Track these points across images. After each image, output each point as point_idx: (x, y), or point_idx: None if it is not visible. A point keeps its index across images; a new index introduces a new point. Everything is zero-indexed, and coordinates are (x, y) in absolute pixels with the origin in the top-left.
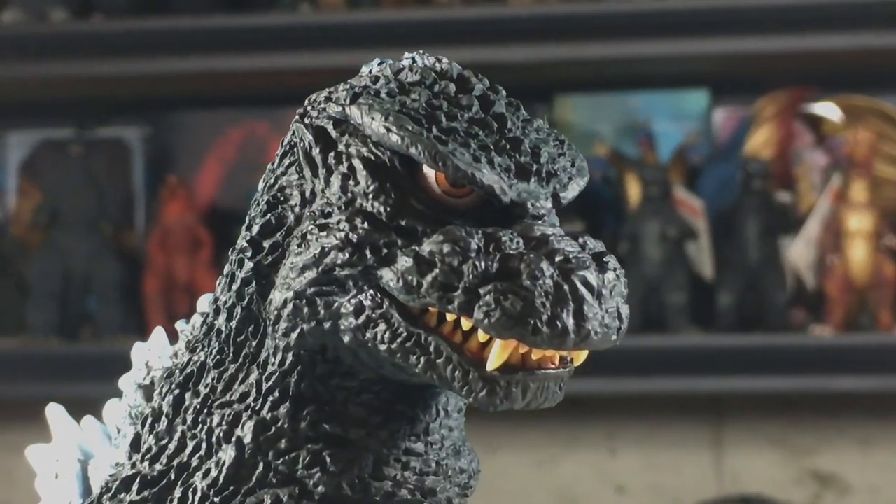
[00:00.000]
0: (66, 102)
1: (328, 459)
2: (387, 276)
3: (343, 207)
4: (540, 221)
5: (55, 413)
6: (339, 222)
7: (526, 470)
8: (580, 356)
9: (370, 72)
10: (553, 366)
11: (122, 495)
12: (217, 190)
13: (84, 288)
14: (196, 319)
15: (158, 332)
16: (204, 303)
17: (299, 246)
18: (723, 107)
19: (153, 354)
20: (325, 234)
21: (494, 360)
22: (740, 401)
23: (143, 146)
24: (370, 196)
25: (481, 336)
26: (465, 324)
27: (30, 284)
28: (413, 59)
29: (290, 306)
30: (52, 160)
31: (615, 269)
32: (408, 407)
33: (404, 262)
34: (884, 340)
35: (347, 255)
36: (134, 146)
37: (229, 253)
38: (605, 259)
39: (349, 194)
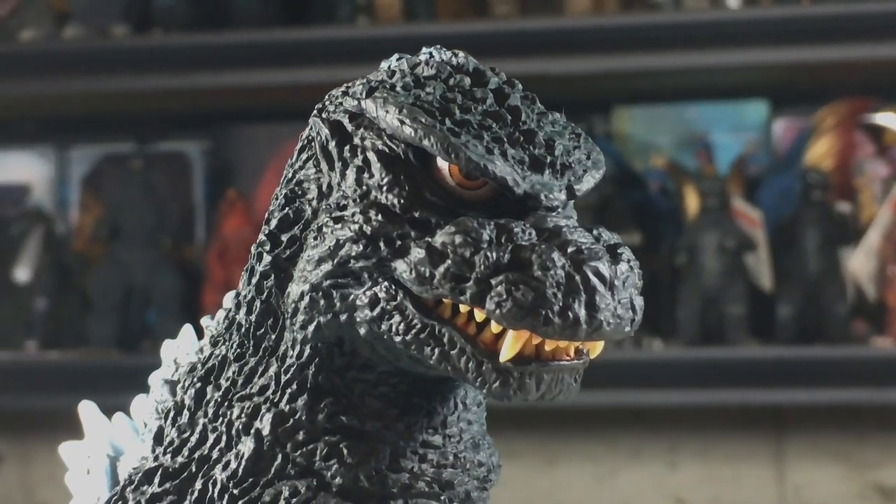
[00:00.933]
0: (127, 117)
1: (345, 451)
2: (400, 267)
3: (358, 200)
4: (554, 213)
5: (87, 410)
6: (353, 214)
7: (585, 483)
8: (596, 348)
9: (388, 67)
10: (568, 357)
11: (145, 487)
12: None
13: (144, 301)
14: (220, 315)
15: (187, 330)
16: (229, 299)
17: (315, 239)
18: (783, 117)
19: (181, 351)
20: (339, 226)
21: (507, 350)
22: (802, 413)
23: (204, 160)
24: (384, 188)
25: (495, 327)
26: (479, 315)
27: (91, 297)
28: (430, 53)
29: (306, 299)
30: (114, 175)
31: (629, 261)
32: (425, 400)
33: (417, 253)
34: None
35: (362, 247)
36: (194, 160)
37: (252, 248)
38: (618, 251)
39: (364, 187)
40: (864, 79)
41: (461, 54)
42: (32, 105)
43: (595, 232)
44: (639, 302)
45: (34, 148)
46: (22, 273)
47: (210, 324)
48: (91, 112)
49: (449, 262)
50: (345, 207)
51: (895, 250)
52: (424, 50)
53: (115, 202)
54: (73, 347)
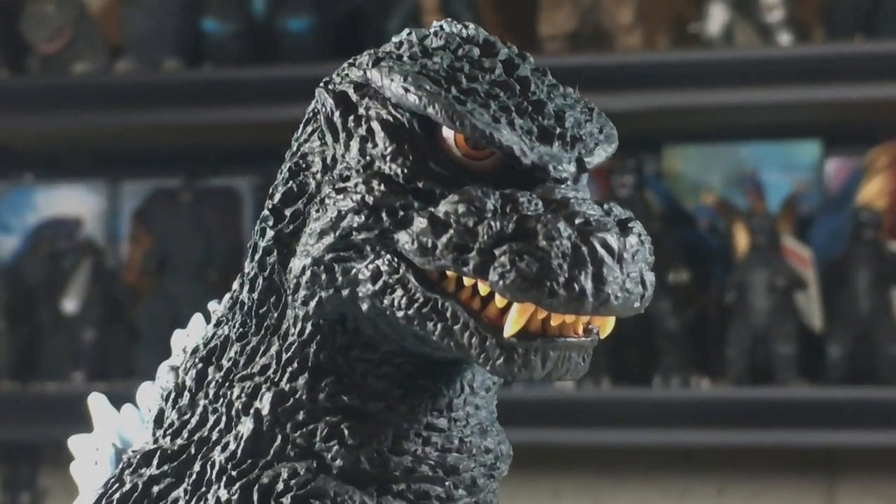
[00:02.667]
0: (178, 152)
1: (346, 432)
2: (403, 238)
3: (361, 170)
4: (563, 185)
5: (97, 402)
6: (356, 185)
7: None
8: (606, 326)
9: (398, 39)
10: (576, 335)
11: (143, 469)
12: None
13: None
14: (227, 298)
15: (196, 318)
16: (237, 282)
17: (318, 212)
18: (835, 157)
19: (191, 340)
20: (342, 197)
21: (511, 325)
22: (853, 456)
23: (254, 195)
24: (388, 158)
25: (499, 301)
26: (483, 288)
27: (139, 329)
28: (441, 25)
29: (308, 273)
30: (163, 208)
31: (640, 235)
32: (430, 381)
33: (420, 223)
34: None
35: (363, 217)
36: (245, 195)
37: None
38: (629, 224)
39: (367, 157)
40: None
41: (472, 26)
42: (85, 139)
43: (606, 206)
44: (649, 277)
45: (86, 182)
46: (70, 304)
47: (217, 308)
48: (143, 146)
49: (451, 231)
50: (348, 178)
51: None
52: (435, 23)
53: (163, 235)
54: (120, 379)
